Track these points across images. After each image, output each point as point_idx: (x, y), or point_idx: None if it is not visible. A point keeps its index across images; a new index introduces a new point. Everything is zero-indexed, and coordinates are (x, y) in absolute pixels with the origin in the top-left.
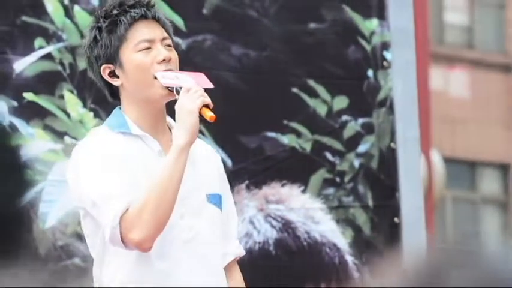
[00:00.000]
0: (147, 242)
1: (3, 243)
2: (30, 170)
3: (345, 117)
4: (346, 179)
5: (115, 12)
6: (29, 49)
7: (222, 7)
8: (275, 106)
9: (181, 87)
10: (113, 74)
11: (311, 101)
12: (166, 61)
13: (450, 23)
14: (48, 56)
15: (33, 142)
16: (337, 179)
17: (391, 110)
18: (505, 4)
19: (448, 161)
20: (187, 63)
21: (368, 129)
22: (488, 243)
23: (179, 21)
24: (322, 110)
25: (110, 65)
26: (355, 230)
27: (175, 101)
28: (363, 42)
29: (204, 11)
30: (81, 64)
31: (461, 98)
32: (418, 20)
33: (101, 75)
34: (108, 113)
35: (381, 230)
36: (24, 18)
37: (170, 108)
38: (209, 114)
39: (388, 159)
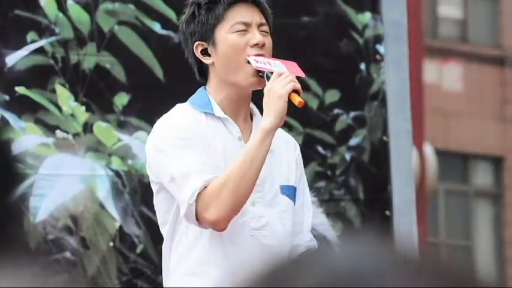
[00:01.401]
0: (222, 222)
1: None
2: (22, 164)
3: (336, 111)
4: (338, 172)
5: None
6: (21, 43)
7: None
8: None
9: (271, 72)
10: (205, 52)
11: (303, 94)
12: (260, 46)
13: (444, 16)
14: (40, 50)
15: (25, 136)
16: (329, 172)
17: (383, 103)
18: None
19: (441, 153)
20: (179, 56)
21: (360, 122)
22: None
23: (171, 14)
24: (313, 104)
25: (204, 43)
26: (346, 223)
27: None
28: (356, 36)
29: None
30: (74, 58)
31: (455, 91)
32: (411, 13)
33: (193, 52)
34: (100, 107)
35: (371, 223)
36: (17, 11)
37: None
38: (298, 99)
39: (380, 153)
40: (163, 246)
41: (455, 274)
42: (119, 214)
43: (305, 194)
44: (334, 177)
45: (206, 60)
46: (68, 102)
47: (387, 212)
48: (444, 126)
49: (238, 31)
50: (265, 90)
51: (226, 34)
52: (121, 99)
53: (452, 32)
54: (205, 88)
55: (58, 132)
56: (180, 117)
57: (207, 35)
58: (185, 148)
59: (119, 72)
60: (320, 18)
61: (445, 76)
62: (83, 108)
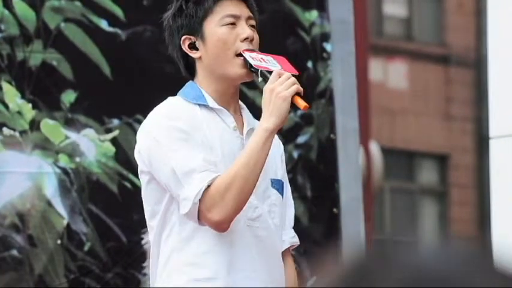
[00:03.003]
0: (225, 223)
1: None
2: None
3: None
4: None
5: None
6: None
7: None
8: None
9: (268, 71)
10: (192, 46)
11: (250, 92)
12: (249, 40)
13: (389, 14)
14: None
15: None
16: None
17: (330, 101)
18: None
19: (387, 151)
20: (127, 54)
21: (307, 120)
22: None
23: (119, 12)
24: (261, 101)
25: (191, 37)
26: (294, 221)
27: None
28: (303, 34)
29: (144, 2)
30: (20, 55)
31: (400, 90)
32: (357, 12)
33: (180, 47)
34: (47, 104)
35: (319, 221)
36: None
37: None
38: (303, 104)
39: (327, 150)
40: (151, 238)
41: None
42: (66, 212)
43: (288, 192)
44: None
45: (193, 54)
46: (14, 100)
47: (335, 210)
48: (389, 124)
49: (227, 24)
50: (265, 89)
51: (215, 27)
52: (68, 97)
53: (397, 30)
54: (193, 81)
55: (5, 130)
56: (176, 107)
57: (195, 29)
58: (185, 141)
59: (65, 69)
60: (267, 16)
61: (390, 74)
62: (30, 105)
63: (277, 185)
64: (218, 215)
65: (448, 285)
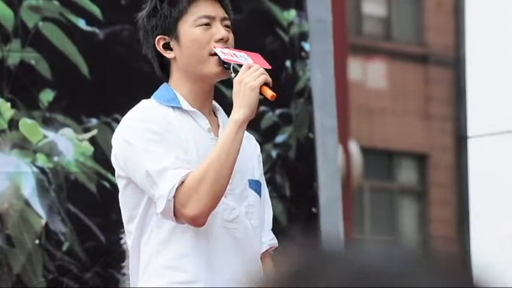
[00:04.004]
0: (201, 217)
1: None
2: None
3: (262, 108)
4: (264, 169)
5: None
6: None
7: None
8: None
9: (239, 65)
10: (167, 47)
11: (228, 92)
12: (224, 40)
13: (368, 14)
14: None
15: None
16: None
17: (309, 100)
18: None
19: (366, 151)
20: (105, 53)
21: (286, 119)
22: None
23: (96, 11)
24: None
25: (166, 37)
26: (272, 220)
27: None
28: (281, 33)
29: (122, 1)
30: None
31: (379, 89)
32: (336, 11)
33: (154, 47)
34: (26, 103)
35: (298, 220)
36: None
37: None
38: (270, 93)
39: (306, 150)
40: (129, 242)
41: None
42: (44, 211)
43: (266, 192)
44: None
45: (168, 54)
46: None
47: (314, 209)
48: (369, 124)
49: (202, 25)
50: (235, 82)
51: (189, 28)
52: (46, 96)
53: (376, 29)
54: (168, 83)
55: None
56: (149, 110)
57: (170, 29)
58: (158, 142)
59: (44, 68)
60: (245, 15)
61: (369, 74)
62: (8, 104)
63: (255, 185)
64: (193, 210)
65: (389, 284)
